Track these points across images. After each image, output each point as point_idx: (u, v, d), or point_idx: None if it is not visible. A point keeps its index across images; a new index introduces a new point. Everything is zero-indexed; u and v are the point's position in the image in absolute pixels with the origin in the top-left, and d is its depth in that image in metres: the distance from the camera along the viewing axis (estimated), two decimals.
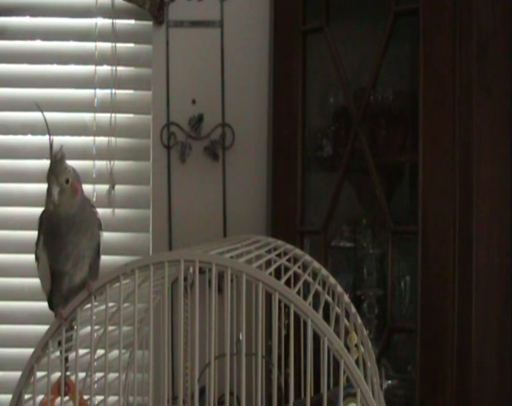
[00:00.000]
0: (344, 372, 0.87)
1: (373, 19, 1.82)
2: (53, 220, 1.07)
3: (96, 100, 2.00)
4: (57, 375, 1.05)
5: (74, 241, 1.08)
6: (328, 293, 1.24)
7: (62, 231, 1.07)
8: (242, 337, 0.96)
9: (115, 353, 1.03)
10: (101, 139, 2.00)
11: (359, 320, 1.28)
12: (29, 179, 1.98)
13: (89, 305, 0.99)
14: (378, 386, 1.06)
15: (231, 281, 0.94)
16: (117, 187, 1.99)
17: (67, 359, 1.09)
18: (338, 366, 0.87)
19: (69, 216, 1.06)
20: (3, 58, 2.02)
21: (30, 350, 1.00)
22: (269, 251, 1.22)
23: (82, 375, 1.09)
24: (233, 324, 1.27)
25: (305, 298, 0.91)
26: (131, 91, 2.03)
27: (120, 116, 2.00)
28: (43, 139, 1.95)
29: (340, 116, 1.87)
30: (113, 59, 2.00)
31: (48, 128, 1.06)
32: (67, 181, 1.05)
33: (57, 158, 1.05)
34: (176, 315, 1.02)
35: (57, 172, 1.04)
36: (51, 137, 1.05)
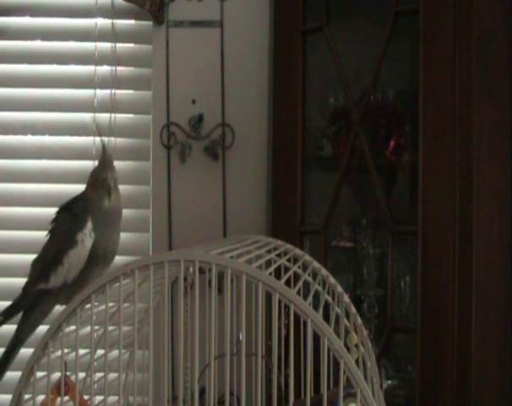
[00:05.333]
0: (344, 372, 0.87)
1: (373, 18, 1.82)
2: (106, 213, 1.21)
3: (96, 100, 2.00)
4: (57, 375, 1.05)
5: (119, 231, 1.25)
6: (328, 293, 1.24)
7: (114, 223, 1.23)
8: (242, 337, 0.96)
9: (115, 353, 1.03)
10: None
11: (359, 321, 1.28)
12: (29, 179, 1.97)
13: (89, 305, 0.99)
14: (378, 386, 1.06)
15: (231, 281, 0.94)
16: None
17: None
18: (338, 366, 0.87)
19: (119, 209, 1.24)
20: (3, 58, 2.02)
21: (30, 350, 1.00)
22: (269, 251, 1.22)
23: (82, 375, 1.09)
24: (233, 324, 1.27)
25: (305, 298, 0.91)
26: (131, 91, 2.03)
27: (120, 116, 2.00)
28: (43, 139, 1.94)
29: (340, 116, 1.87)
30: (113, 59, 2.00)
31: (99, 131, 1.28)
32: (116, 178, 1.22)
33: (112, 157, 1.22)
34: (176, 315, 1.02)
35: (112, 169, 1.21)
36: (104, 138, 1.24)
